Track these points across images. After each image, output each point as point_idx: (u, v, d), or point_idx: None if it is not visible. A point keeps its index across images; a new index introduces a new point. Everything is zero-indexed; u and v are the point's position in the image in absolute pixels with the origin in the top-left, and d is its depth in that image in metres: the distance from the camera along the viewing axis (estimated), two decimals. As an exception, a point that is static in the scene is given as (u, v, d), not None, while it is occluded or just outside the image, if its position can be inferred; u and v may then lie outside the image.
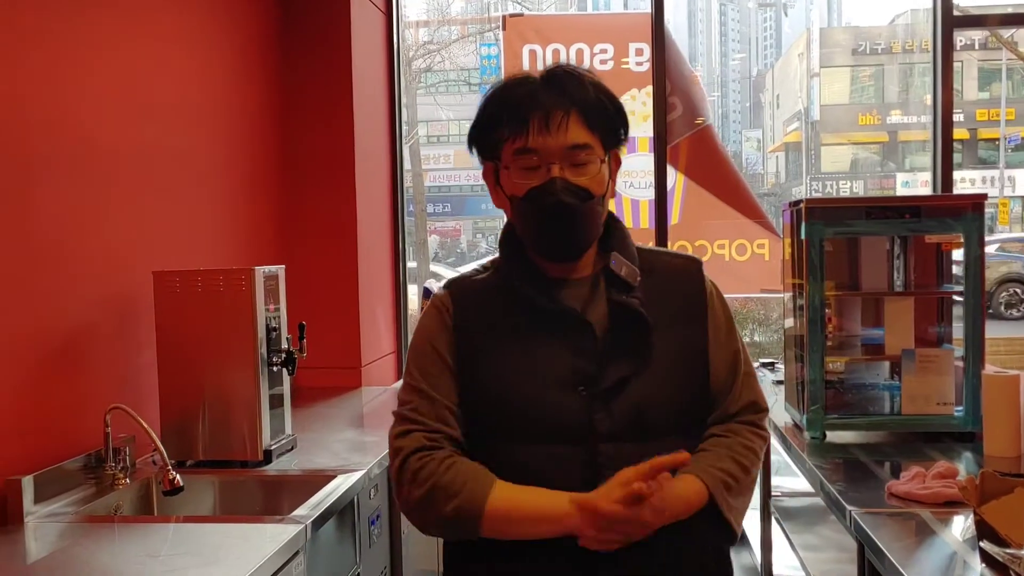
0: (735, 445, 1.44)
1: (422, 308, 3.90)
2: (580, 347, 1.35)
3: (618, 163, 1.44)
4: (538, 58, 4.54)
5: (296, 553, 1.89)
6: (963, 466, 2.25)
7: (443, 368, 1.40)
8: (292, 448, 2.63)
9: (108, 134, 2.47)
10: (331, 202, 3.74)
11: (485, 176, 1.44)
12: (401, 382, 1.47)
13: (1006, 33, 11.94)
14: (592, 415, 1.32)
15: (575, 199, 1.33)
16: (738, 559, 4.21)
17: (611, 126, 1.38)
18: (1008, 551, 1.48)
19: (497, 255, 1.47)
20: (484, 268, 1.47)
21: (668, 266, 1.48)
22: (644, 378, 1.35)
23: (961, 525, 1.80)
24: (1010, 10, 8.29)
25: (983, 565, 1.57)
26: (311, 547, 1.99)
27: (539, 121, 1.32)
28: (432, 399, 1.39)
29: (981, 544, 1.57)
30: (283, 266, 2.65)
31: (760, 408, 1.52)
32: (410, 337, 4.58)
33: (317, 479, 2.32)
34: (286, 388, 2.62)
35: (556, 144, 1.33)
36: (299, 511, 2.04)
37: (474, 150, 1.44)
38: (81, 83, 2.35)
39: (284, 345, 2.56)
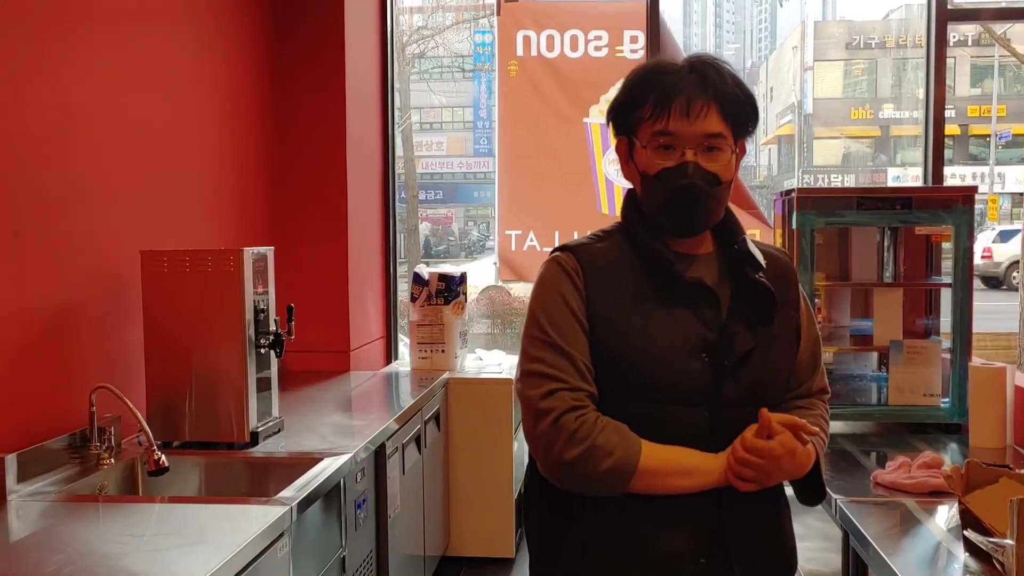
0: (819, 417, 1.58)
1: (413, 295, 3.90)
2: (706, 318, 1.44)
3: (743, 152, 1.51)
4: (532, 44, 4.52)
5: (281, 535, 1.89)
6: (948, 456, 2.26)
7: (576, 325, 1.43)
8: (279, 431, 2.62)
9: (96, 112, 2.44)
10: (322, 185, 3.72)
11: (618, 150, 1.51)
12: (525, 336, 1.47)
13: (999, 29, 11.96)
14: (720, 382, 1.42)
15: (705, 183, 1.42)
16: (723, 548, 4.22)
17: (743, 119, 1.46)
18: (991, 540, 1.49)
19: (604, 228, 1.55)
20: (599, 236, 1.53)
21: (772, 255, 1.57)
22: (762, 352, 1.45)
23: (945, 514, 1.80)
24: (1004, 5, 8.31)
25: (967, 554, 1.58)
26: (296, 529, 1.99)
27: (681, 107, 1.40)
28: (569, 355, 1.41)
29: (965, 533, 1.58)
30: (272, 248, 2.63)
31: (828, 391, 1.67)
32: (401, 322, 4.59)
33: (303, 462, 2.31)
34: (273, 371, 2.61)
35: (694, 131, 1.41)
36: (285, 493, 2.04)
37: (610, 124, 1.53)
38: (70, 60, 2.33)
39: (272, 327, 2.55)
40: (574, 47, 4.52)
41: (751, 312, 1.46)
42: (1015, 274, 15.33)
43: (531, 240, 4.60)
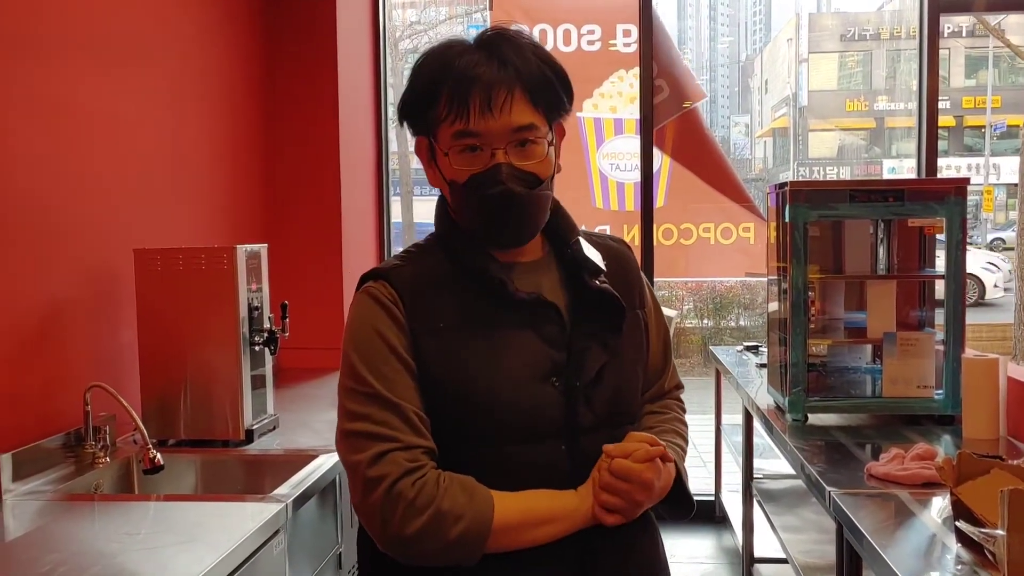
0: (675, 421, 1.46)
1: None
2: (549, 336, 1.25)
3: (562, 134, 1.32)
4: (525, 39, 4.51)
5: (277, 532, 1.89)
6: (942, 448, 2.26)
7: (401, 367, 1.21)
8: (274, 428, 2.62)
9: (88, 109, 2.44)
10: (316, 181, 3.72)
11: (418, 152, 1.30)
12: (341, 389, 1.23)
13: (993, 20, 11.96)
14: (574, 408, 1.24)
15: (523, 186, 1.22)
16: (719, 540, 4.24)
17: (556, 98, 1.25)
18: (983, 531, 1.49)
19: (417, 242, 1.34)
20: (413, 254, 1.31)
21: (611, 250, 1.40)
22: (615, 366, 1.29)
23: (939, 506, 1.81)
24: (997, -4, 8.29)
25: (959, 545, 1.59)
26: (292, 526, 1.99)
27: (480, 101, 1.19)
28: (397, 407, 1.19)
29: (957, 524, 1.59)
30: (266, 245, 2.63)
31: (682, 386, 1.54)
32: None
33: (299, 459, 2.32)
34: (268, 368, 2.61)
35: (499, 127, 1.20)
36: (280, 490, 2.04)
37: (405, 124, 1.29)
38: (60, 54, 2.33)
39: (266, 325, 2.55)
40: (567, 41, 4.51)
41: (597, 322, 1.28)
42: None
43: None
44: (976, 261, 14.06)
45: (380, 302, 1.25)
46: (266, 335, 2.54)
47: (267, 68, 3.67)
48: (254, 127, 3.57)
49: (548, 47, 4.48)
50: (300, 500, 2.03)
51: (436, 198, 1.34)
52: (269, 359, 2.61)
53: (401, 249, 1.36)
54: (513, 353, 1.23)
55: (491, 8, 4.61)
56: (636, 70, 4.41)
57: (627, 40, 4.49)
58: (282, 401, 2.89)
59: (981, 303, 14.18)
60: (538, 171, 1.24)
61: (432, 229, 1.35)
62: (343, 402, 1.22)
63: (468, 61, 1.20)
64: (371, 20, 4.22)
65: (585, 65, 4.53)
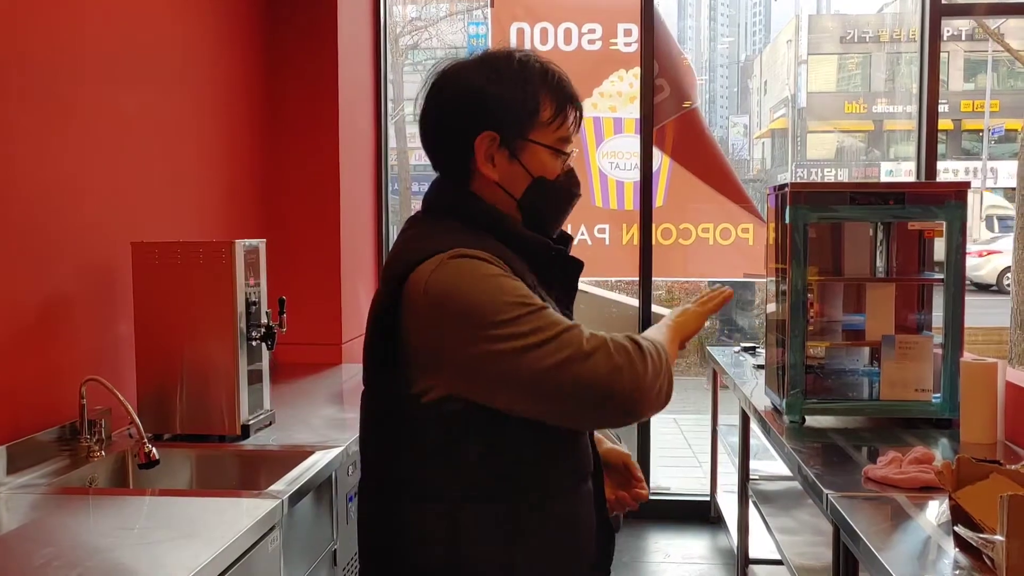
0: None
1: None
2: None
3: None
4: (526, 37, 4.51)
5: (272, 528, 1.89)
6: (939, 452, 2.26)
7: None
8: (270, 423, 2.62)
9: (86, 101, 2.43)
10: (315, 177, 3.71)
11: (480, 144, 1.39)
12: (496, 335, 1.24)
13: (993, 24, 11.96)
14: None
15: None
16: (715, 541, 4.24)
17: None
18: (981, 535, 1.49)
19: (462, 231, 1.39)
20: (468, 241, 1.36)
21: None
22: None
23: (936, 510, 1.81)
24: (997, 0, 8.29)
25: (957, 549, 1.58)
26: (287, 522, 1.99)
27: (578, 119, 1.47)
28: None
29: (955, 528, 1.59)
30: (264, 240, 2.62)
31: None
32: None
33: (295, 455, 2.31)
34: (265, 363, 2.61)
35: (577, 142, 1.49)
36: (276, 486, 2.03)
37: (474, 114, 1.40)
38: (58, 50, 2.31)
39: (264, 320, 2.55)
40: (568, 40, 4.50)
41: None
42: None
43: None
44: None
45: (493, 264, 1.31)
46: (263, 330, 2.53)
47: (267, 62, 3.65)
48: (254, 121, 3.56)
49: (549, 46, 4.51)
50: (296, 496, 2.02)
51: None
52: (266, 354, 2.60)
53: (445, 235, 1.38)
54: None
55: (492, 5, 4.60)
56: (637, 70, 4.41)
57: (628, 39, 4.48)
58: (279, 397, 2.88)
59: None
60: None
61: None
62: (510, 334, 1.24)
63: (566, 87, 1.45)
64: (372, 15, 4.21)
65: (585, 64, 4.52)
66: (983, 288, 15.82)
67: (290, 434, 2.54)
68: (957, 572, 1.51)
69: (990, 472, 1.61)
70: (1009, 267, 15.59)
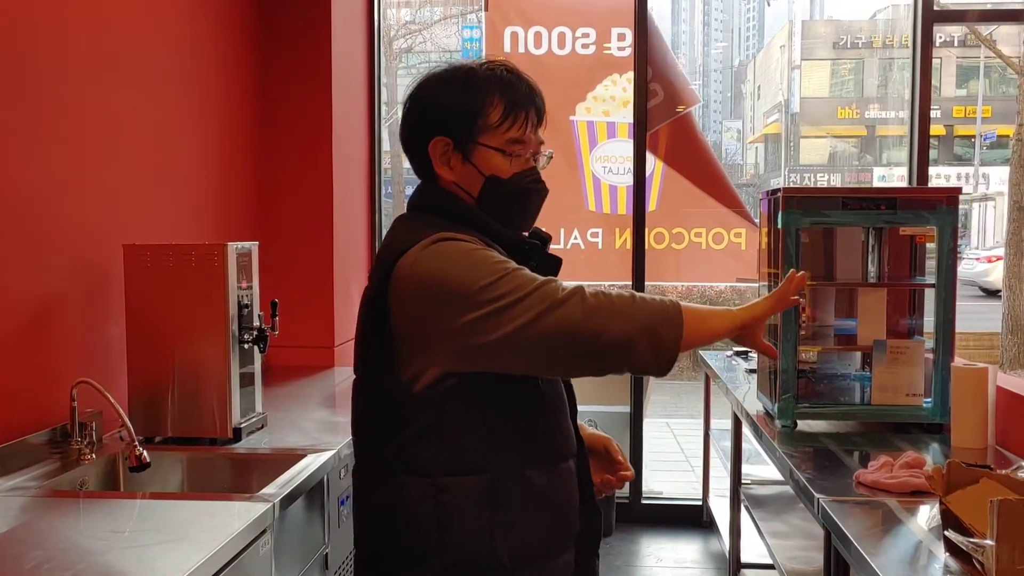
0: None
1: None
2: None
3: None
4: (520, 41, 4.51)
5: (263, 531, 1.88)
6: (930, 456, 2.27)
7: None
8: (262, 426, 2.61)
9: (78, 101, 2.42)
10: (308, 180, 3.71)
11: (434, 149, 1.50)
12: (478, 300, 1.35)
13: (985, 30, 12.02)
14: None
15: (546, 186, 1.57)
16: (707, 546, 4.24)
17: None
18: (972, 540, 1.49)
19: (441, 225, 1.48)
20: (450, 231, 1.46)
21: None
22: None
23: (927, 514, 1.81)
24: (989, 7, 8.35)
25: (947, 554, 1.59)
26: (279, 525, 1.98)
27: (532, 118, 1.51)
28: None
29: (946, 533, 1.59)
30: (257, 243, 2.62)
31: None
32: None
33: (287, 458, 2.30)
34: (257, 366, 2.60)
35: (536, 140, 1.54)
36: (267, 489, 2.03)
37: (425, 122, 1.51)
38: (50, 52, 2.31)
39: (256, 323, 2.54)
40: (561, 44, 4.51)
41: None
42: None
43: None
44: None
45: (472, 242, 1.43)
46: (255, 333, 2.52)
47: (261, 65, 3.65)
48: (247, 124, 3.55)
49: (542, 50, 4.51)
50: (287, 500, 2.02)
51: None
52: (258, 357, 2.60)
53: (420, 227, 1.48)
54: None
55: (486, 9, 4.60)
56: (630, 74, 4.41)
57: (621, 44, 4.49)
58: (271, 399, 2.87)
59: None
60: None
61: None
62: (491, 298, 1.35)
63: (527, 86, 1.52)
64: (366, 19, 4.21)
65: (579, 68, 4.53)
66: (991, 293, 15.88)
67: (282, 437, 2.53)
68: (947, 576, 1.52)
69: (980, 477, 1.61)
70: None
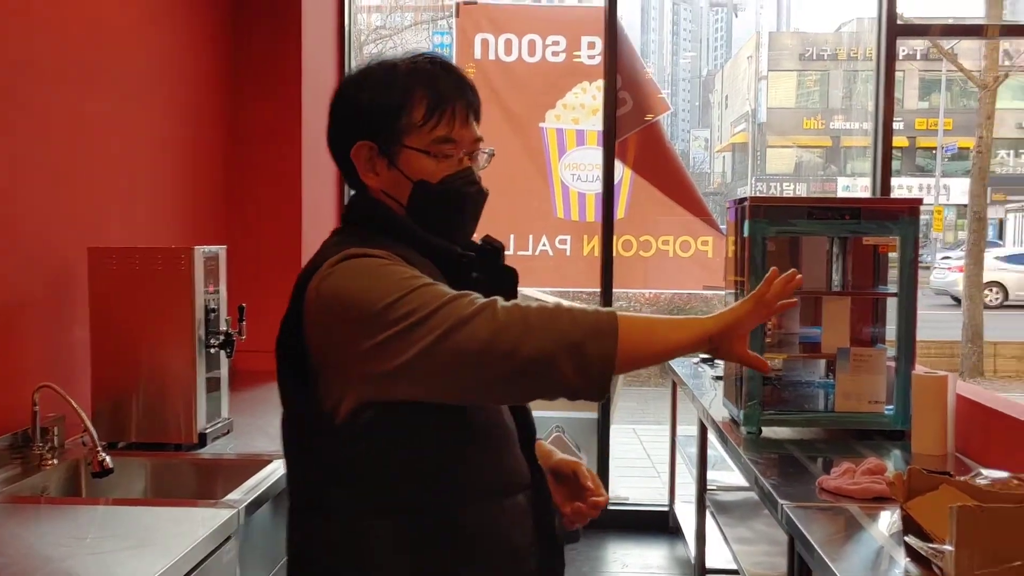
0: None
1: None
2: None
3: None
4: (490, 47, 4.53)
5: (228, 538, 1.86)
6: (892, 463, 2.30)
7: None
8: (228, 432, 2.59)
9: (44, 103, 2.39)
10: (277, 184, 3.69)
11: (358, 154, 1.37)
12: (383, 322, 1.20)
13: (947, 44, 12.24)
14: None
15: (485, 189, 1.41)
16: (673, 551, 4.27)
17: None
18: (931, 546, 1.52)
19: (354, 234, 1.37)
20: (369, 244, 1.31)
21: None
22: None
23: (888, 520, 1.84)
24: (951, 21, 8.50)
25: (907, 559, 1.61)
26: (244, 532, 1.97)
27: (462, 113, 1.37)
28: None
29: (906, 539, 1.62)
30: (224, 246, 2.60)
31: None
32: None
33: (253, 463, 2.29)
34: (223, 371, 2.58)
35: (469, 137, 1.38)
36: (232, 495, 2.01)
37: (346, 125, 1.39)
38: (19, 50, 2.28)
39: (223, 327, 2.52)
40: (532, 52, 4.53)
41: None
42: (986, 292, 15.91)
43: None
44: (995, 267, 15.86)
45: (383, 257, 1.28)
46: (222, 337, 2.50)
47: (232, 68, 3.63)
48: (216, 128, 3.53)
49: (513, 57, 4.53)
50: (253, 506, 2.00)
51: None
52: (225, 362, 2.58)
53: (340, 239, 1.36)
54: None
55: (457, 15, 4.61)
56: (600, 82, 4.44)
57: (591, 52, 4.52)
58: (237, 404, 2.85)
59: (1007, 304, 15.69)
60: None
61: None
62: (396, 317, 1.19)
63: (453, 80, 1.37)
64: (336, 23, 4.20)
65: (549, 76, 4.55)
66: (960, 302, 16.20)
67: (248, 442, 2.52)
68: (908, 581, 1.54)
69: (940, 483, 1.64)
70: (991, 281, 16.12)
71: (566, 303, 1.23)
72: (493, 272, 1.40)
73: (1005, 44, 14.29)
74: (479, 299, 1.21)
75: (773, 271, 1.33)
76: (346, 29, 4.25)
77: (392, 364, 1.20)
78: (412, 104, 1.34)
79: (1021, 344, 11.70)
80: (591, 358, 1.18)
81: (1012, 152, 28.09)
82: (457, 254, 1.37)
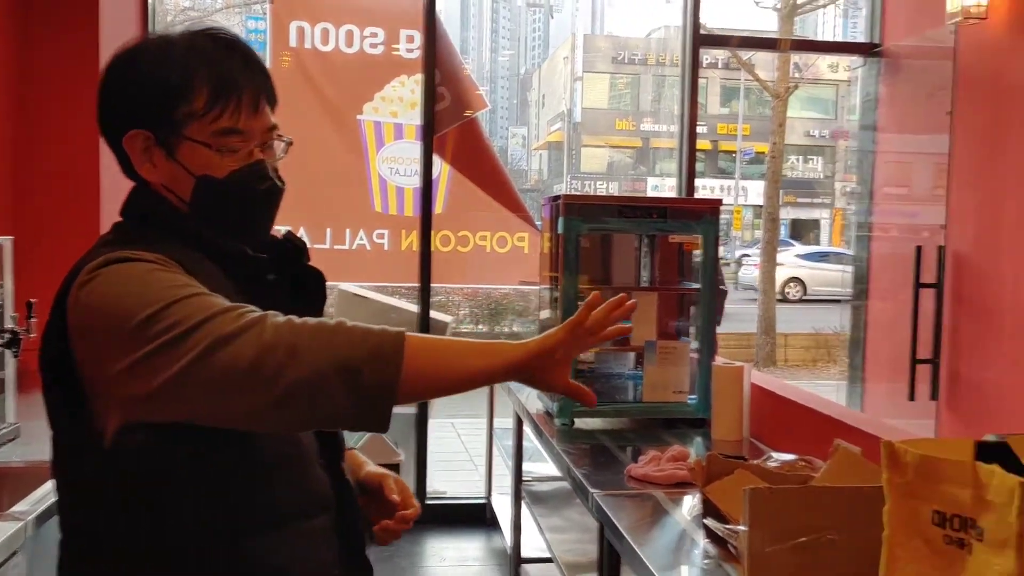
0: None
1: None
2: None
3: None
4: (306, 36, 4.41)
5: (15, 553, 1.72)
6: (694, 450, 2.43)
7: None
8: (15, 438, 2.40)
9: None
10: (72, 172, 3.44)
11: (132, 144, 1.21)
12: (141, 336, 1.05)
13: (745, 55, 13.08)
14: None
15: (281, 183, 1.27)
16: (490, 543, 4.33)
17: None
18: (727, 526, 1.62)
19: (122, 234, 1.24)
20: (141, 244, 1.17)
21: None
22: None
23: (690, 504, 1.94)
24: (749, 34, 9.09)
25: (706, 540, 1.71)
26: (33, 546, 1.82)
27: (250, 101, 1.21)
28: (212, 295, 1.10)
29: (705, 521, 1.71)
30: (11, 238, 2.40)
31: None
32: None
33: (42, 471, 2.10)
34: (9, 372, 2.39)
35: (261, 126, 1.24)
36: (19, 507, 1.86)
37: (117, 111, 1.22)
38: None
39: (8, 324, 2.34)
40: (349, 42, 4.45)
41: None
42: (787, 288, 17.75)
43: (301, 235, 4.50)
44: (795, 264, 18.06)
45: (149, 261, 1.13)
46: (8, 336, 2.32)
47: (20, 46, 3.35)
48: (2, 115, 3.24)
49: (330, 47, 4.43)
50: (43, 517, 1.86)
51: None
52: (11, 362, 2.38)
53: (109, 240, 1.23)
54: None
55: (272, 2, 4.47)
56: (418, 76, 4.43)
57: (410, 46, 4.50)
58: (26, 408, 2.63)
59: (806, 299, 17.14)
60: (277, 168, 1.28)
61: None
62: (149, 345, 1.04)
63: (231, 62, 1.21)
64: (139, 4, 3.96)
65: (367, 67, 4.50)
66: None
67: (38, 449, 2.32)
68: (706, 562, 1.63)
69: (736, 468, 1.75)
70: (792, 277, 17.66)
71: (351, 323, 1.08)
72: (294, 273, 1.29)
73: (796, 57, 15.43)
74: (251, 313, 1.06)
75: (595, 295, 1.19)
76: (149, 8, 4.01)
77: (152, 384, 1.05)
78: (192, 89, 1.18)
79: (808, 335, 12.70)
80: (367, 386, 1.04)
81: (801, 157, 30.38)
82: (248, 256, 1.23)
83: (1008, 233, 3.82)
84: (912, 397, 4.26)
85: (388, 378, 1.05)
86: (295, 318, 1.07)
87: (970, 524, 0.95)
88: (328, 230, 4.47)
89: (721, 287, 10.38)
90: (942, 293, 4.14)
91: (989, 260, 3.96)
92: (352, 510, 1.30)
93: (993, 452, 1.00)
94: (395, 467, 4.21)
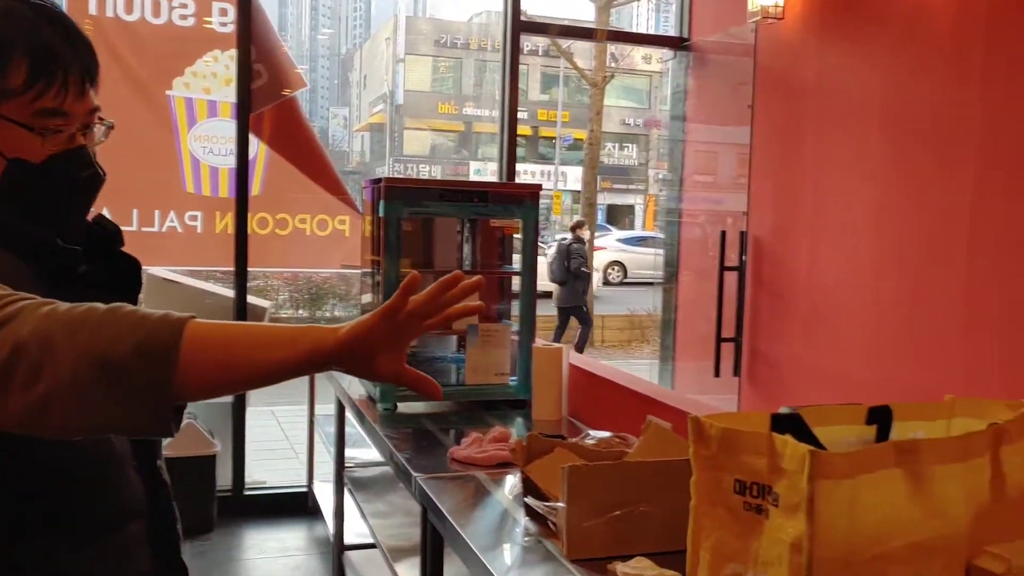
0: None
1: None
2: None
3: None
4: (108, 2, 4.14)
5: None
6: (515, 430, 2.47)
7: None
8: None
9: None
10: None
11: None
12: None
13: (564, 44, 13.40)
14: None
15: (103, 171, 1.18)
16: (311, 531, 4.25)
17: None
18: (547, 504, 1.66)
19: None
20: None
21: None
22: None
23: (511, 484, 1.98)
24: (567, 23, 9.31)
25: (527, 518, 1.75)
26: None
27: (76, 81, 1.12)
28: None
29: (526, 500, 1.75)
30: None
31: None
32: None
33: None
34: None
35: (84, 108, 1.14)
36: None
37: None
38: None
39: None
40: (156, 12, 4.21)
41: None
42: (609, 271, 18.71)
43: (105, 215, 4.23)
44: (617, 248, 19.06)
45: None
46: None
47: None
48: None
49: (135, 16, 4.18)
50: None
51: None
52: None
53: None
54: None
55: (72, -34, 4.16)
56: (233, 52, 4.25)
57: (224, 19, 4.31)
58: None
59: (626, 282, 17.75)
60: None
61: None
62: None
63: (54, 36, 1.11)
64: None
65: (177, 40, 4.28)
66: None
67: None
68: (527, 539, 1.67)
69: (555, 447, 1.79)
70: (613, 261, 18.60)
71: (131, 307, 0.94)
72: (109, 261, 1.20)
73: (612, 48, 15.96)
74: (20, 303, 0.92)
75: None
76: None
77: None
78: (9, 63, 1.07)
79: (623, 316, 13.24)
80: (136, 386, 0.89)
81: (617, 145, 31.54)
82: (58, 247, 1.12)
83: (802, 220, 4.12)
84: (717, 374, 4.53)
85: (159, 377, 0.90)
86: (61, 306, 0.92)
87: (767, 491, 1.02)
88: (135, 211, 4.23)
89: (584, 270, 10.71)
90: (744, 276, 4.42)
91: (786, 245, 4.26)
92: (166, 512, 1.23)
93: (787, 423, 1.07)
94: (211, 458, 4.06)
